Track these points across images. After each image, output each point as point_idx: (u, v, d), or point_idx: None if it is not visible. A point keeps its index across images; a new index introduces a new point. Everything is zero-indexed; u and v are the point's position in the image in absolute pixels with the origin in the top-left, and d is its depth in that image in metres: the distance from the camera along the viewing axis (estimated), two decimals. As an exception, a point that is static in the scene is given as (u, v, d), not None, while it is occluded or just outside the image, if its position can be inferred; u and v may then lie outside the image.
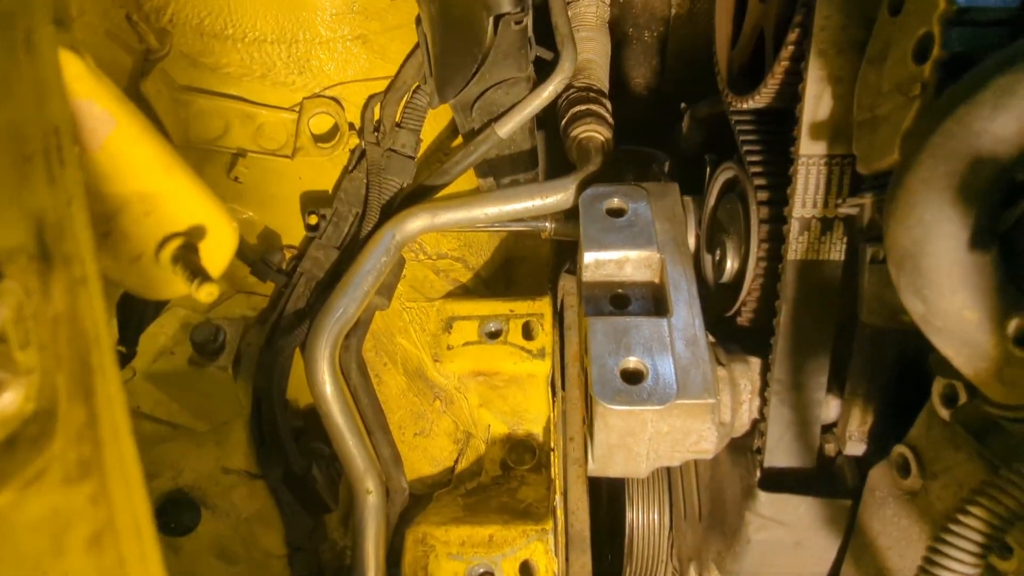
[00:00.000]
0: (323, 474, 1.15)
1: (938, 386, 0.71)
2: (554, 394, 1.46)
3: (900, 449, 0.80)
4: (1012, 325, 0.44)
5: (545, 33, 1.28)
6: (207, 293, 0.52)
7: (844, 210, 0.85)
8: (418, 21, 1.18)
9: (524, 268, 1.80)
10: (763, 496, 1.00)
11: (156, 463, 1.13)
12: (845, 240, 0.92)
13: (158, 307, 1.05)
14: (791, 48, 0.91)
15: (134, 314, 0.93)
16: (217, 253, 0.56)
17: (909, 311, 0.54)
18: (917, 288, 0.52)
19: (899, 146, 0.61)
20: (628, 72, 2.06)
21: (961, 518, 0.51)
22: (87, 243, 0.30)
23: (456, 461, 1.48)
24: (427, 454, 1.41)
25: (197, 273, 0.52)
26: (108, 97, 0.48)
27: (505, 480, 1.40)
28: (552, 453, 1.45)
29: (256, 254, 1.16)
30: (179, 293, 0.56)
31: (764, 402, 1.02)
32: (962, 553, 0.51)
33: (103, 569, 0.26)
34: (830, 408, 1.02)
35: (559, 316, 1.50)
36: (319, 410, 1.12)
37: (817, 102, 0.87)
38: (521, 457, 1.54)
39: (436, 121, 1.34)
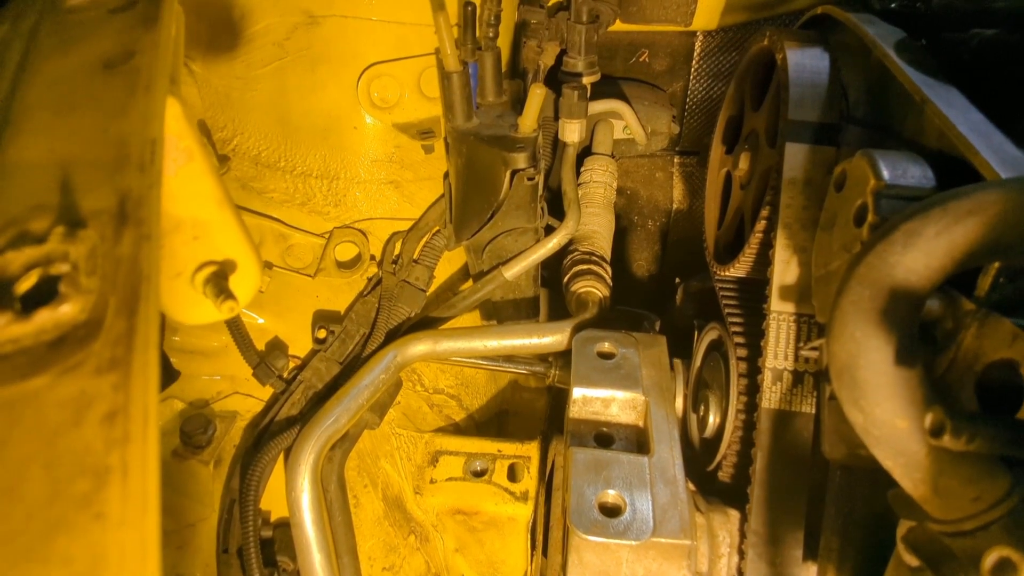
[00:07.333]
0: (282, 590, 1.10)
1: (902, 529, 0.72)
2: (533, 548, 1.41)
3: (872, 605, 0.78)
4: (928, 420, 0.48)
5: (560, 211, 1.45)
6: (229, 308, 0.59)
7: (805, 352, 0.91)
8: (445, 176, 1.36)
9: (517, 421, 1.82)
10: (738, 662, 0.94)
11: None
12: (815, 395, 0.98)
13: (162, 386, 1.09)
14: (763, 222, 1.05)
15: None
16: (242, 287, 0.63)
17: (852, 423, 0.59)
18: (855, 399, 0.57)
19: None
20: (632, 255, 2.28)
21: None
22: (156, 215, 0.40)
23: (422, 609, 1.40)
24: (392, 594, 1.34)
25: (223, 292, 0.59)
26: (191, 138, 0.60)
27: (472, 638, 1.31)
28: (525, 613, 1.37)
29: (261, 358, 1.23)
30: (201, 318, 0.63)
31: (742, 557, 1.00)
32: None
33: (110, 440, 0.31)
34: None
35: (547, 478, 1.50)
36: (292, 519, 1.10)
37: (785, 267, 0.98)
38: (492, 617, 1.45)
39: (449, 264, 1.47)
